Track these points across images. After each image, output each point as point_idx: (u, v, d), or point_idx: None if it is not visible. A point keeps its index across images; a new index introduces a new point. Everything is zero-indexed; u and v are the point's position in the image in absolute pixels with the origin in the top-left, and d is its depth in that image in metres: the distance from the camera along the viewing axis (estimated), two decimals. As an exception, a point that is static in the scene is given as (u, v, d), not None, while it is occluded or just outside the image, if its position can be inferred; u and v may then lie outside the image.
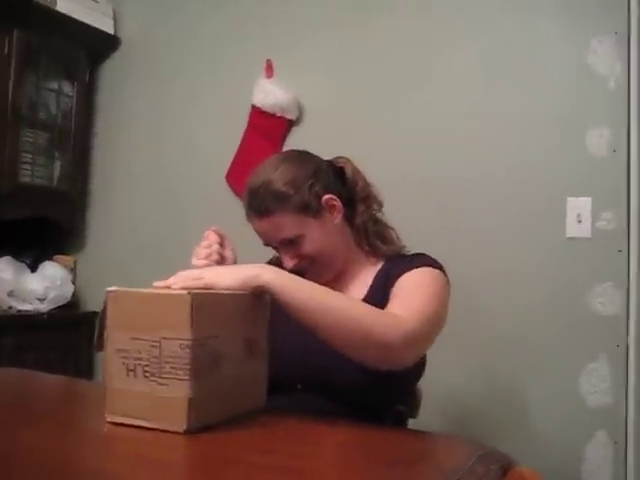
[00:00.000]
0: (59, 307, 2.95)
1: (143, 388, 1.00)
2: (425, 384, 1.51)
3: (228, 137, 2.81)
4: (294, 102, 2.70)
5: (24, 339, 2.72)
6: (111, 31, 3.23)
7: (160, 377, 1.00)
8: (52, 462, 0.88)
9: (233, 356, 1.09)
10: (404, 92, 2.53)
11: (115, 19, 3.25)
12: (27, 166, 3.01)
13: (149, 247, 2.99)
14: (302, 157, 1.47)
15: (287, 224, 1.38)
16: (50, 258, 3.13)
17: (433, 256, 1.44)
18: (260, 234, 1.43)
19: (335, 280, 1.45)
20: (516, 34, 2.35)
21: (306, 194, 1.38)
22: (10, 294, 2.86)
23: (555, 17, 2.28)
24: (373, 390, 1.30)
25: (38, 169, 3.07)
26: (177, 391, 0.99)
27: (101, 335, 1.08)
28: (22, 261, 3.01)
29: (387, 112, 2.55)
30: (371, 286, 1.43)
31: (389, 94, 2.56)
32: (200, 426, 1.00)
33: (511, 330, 2.26)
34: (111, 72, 3.28)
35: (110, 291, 1.06)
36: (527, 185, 2.28)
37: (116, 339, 1.04)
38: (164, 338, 0.99)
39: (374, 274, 1.45)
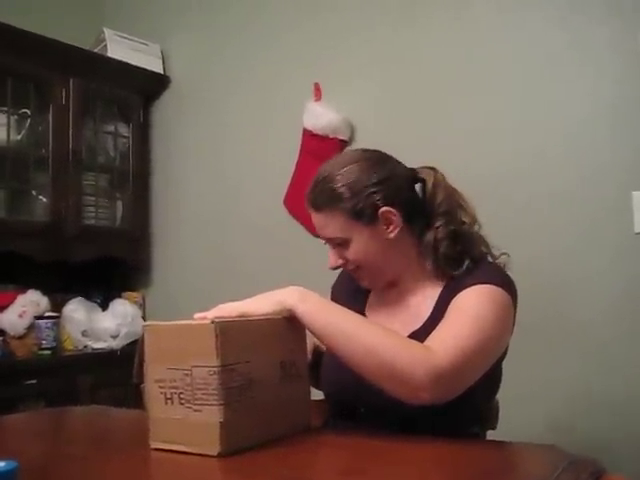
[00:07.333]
0: (131, 343, 3.01)
1: (180, 415, 1.06)
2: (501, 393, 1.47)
3: (283, 164, 2.83)
4: (345, 122, 2.71)
5: (100, 376, 2.78)
6: (160, 71, 3.32)
7: (194, 404, 1.04)
8: None
9: (268, 380, 1.12)
10: (453, 105, 2.51)
11: (164, 59, 3.34)
12: (91, 208, 3.10)
13: (214, 277, 3.04)
14: (378, 161, 1.39)
15: (334, 225, 1.35)
16: (119, 296, 3.21)
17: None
18: (315, 226, 1.42)
19: (396, 292, 1.41)
20: (573, 28, 2.30)
21: (362, 201, 1.33)
22: (84, 334, 2.94)
23: (605, 9, 2.23)
24: (439, 415, 1.18)
25: (101, 210, 3.16)
26: (209, 416, 1.03)
27: (140, 367, 1.14)
28: (93, 301, 3.10)
29: (437, 124, 2.53)
30: (437, 302, 1.34)
31: (437, 106, 2.54)
32: (235, 449, 1.02)
33: (580, 331, 2.20)
34: (164, 110, 3.36)
35: (146, 325, 1.14)
36: (590, 181, 2.22)
37: (154, 370, 1.10)
38: (194, 366, 1.04)
39: (441, 289, 1.36)
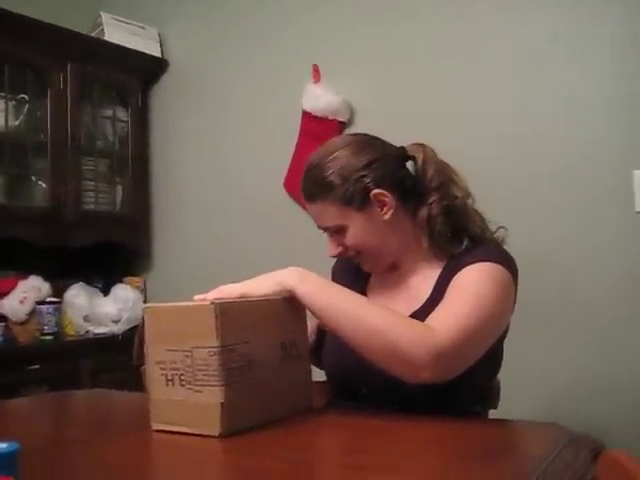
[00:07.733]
0: (132, 327, 3.02)
1: (181, 396, 1.06)
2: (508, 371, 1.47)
3: (283, 148, 2.82)
4: (344, 104, 2.70)
5: (101, 361, 2.79)
6: (158, 54, 3.30)
7: (195, 385, 1.05)
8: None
9: (268, 360, 1.12)
10: (453, 86, 2.49)
11: (161, 42, 3.32)
12: (90, 193, 3.09)
13: (215, 261, 3.03)
14: (365, 144, 1.38)
15: (329, 213, 1.35)
16: (120, 280, 3.21)
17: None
18: (312, 216, 1.42)
19: (397, 274, 1.41)
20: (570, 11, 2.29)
21: (352, 186, 1.32)
22: (86, 319, 2.94)
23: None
24: (440, 395, 1.19)
25: (101, 195, 3.15)
26: (210, 397, 1.03)
27: (140, 349, 1.15)
28: (94, 286, 3.10)
29: (436, 105, 2.51)
30: (437, 282, 1.33)
31: (436, 87, 2.53)
32: (235, 430, 1.03)
33: (580, 310, 2.20)
34: (162, 94, 3.34)
35: (146, 307, 1.14)
36: (591, 160, 2.22)
37: (154, 352, 1.10)
38: (195, 347, 1.05)
39: (440, 269, 1.35)
